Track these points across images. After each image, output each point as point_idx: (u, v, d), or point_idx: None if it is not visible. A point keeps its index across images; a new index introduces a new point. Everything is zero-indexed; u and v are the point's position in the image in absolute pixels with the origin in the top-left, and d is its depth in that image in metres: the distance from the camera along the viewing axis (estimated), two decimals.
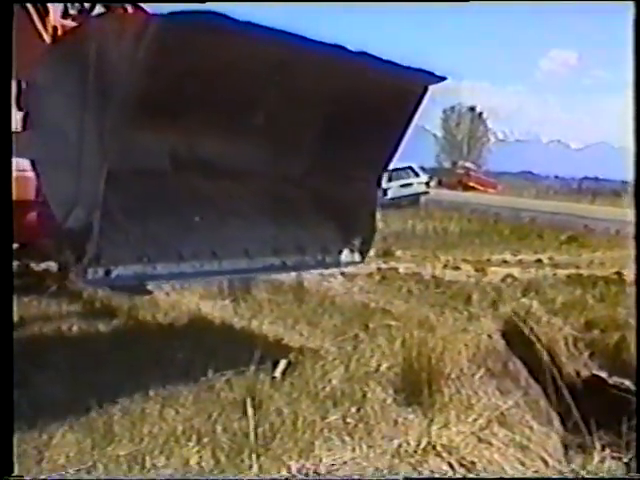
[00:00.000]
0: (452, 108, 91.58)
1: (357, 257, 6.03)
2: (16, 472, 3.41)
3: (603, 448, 4.91)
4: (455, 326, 6.96)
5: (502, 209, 28.00)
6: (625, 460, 5.01)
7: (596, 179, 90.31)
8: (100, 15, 5.34)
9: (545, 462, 4.77)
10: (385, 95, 5.30)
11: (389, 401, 5.11)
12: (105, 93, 4.14)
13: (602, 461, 4.76)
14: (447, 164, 72.05)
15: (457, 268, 11.80)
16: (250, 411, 4.50)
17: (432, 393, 5.11)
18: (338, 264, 6.02)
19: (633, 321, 7.17)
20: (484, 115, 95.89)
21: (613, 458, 4.92)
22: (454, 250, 13.83)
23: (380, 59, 4.86)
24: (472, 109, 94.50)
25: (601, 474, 4.63)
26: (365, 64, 4.96)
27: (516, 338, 6.98)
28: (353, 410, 4.83)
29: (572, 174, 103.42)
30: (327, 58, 4.77)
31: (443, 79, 5.38)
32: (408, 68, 5.09)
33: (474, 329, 7.00)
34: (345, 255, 5.95)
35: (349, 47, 4.67)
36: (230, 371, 5.06)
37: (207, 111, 4.72)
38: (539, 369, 6.62)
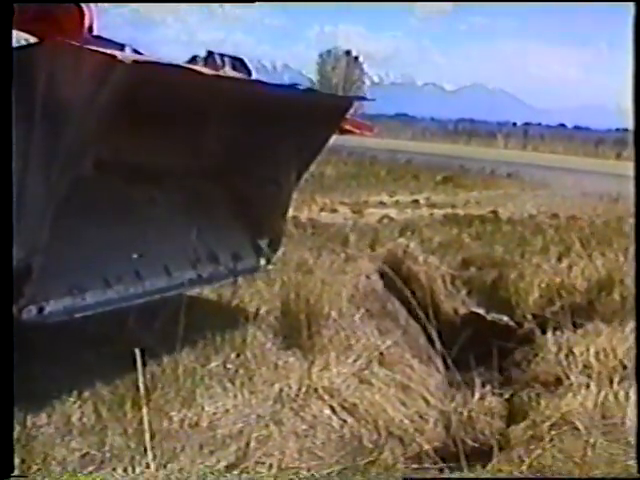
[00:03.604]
0: (328, 52, 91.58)
1: (264, 261, 5.90)
2: None
3: (483, 385, 5.01)
4: (333, 268, 6.96)
5: (378, 152, 28.10)
6: (506, 396, 5.13)
7: (471, 121, 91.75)
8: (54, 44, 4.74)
9: (427, 401, 4.83)
10: (313, 110, 5.22)
11: (269, 345, 5.07)
12: (54, 129, 3.70)
13: (483, 397, 4.85)
14: None
15: (334, 211, 11.84)
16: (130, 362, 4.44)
17: (311, 335, 5.08)
18: (249, 271, 5.85)
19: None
20: (360, 59, 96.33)
21: (494, 394, 5.02)
22: (331, 193, 13.82)
23: (325, 94, 4.91)
24: (348, 53, 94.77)
25: (482, 411, 4.73)
26: (311, 98, 5.12)
27: (394, 278, 7.05)
28: (233, 356, 4.78)
29: (448, 116, 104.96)
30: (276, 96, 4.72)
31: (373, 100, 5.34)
32: (345, 97, 5.08)
33: (352, 270, 7.03)
34: (253, 260, 5.82)
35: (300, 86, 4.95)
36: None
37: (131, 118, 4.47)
38: (418, 308, 6.71)
